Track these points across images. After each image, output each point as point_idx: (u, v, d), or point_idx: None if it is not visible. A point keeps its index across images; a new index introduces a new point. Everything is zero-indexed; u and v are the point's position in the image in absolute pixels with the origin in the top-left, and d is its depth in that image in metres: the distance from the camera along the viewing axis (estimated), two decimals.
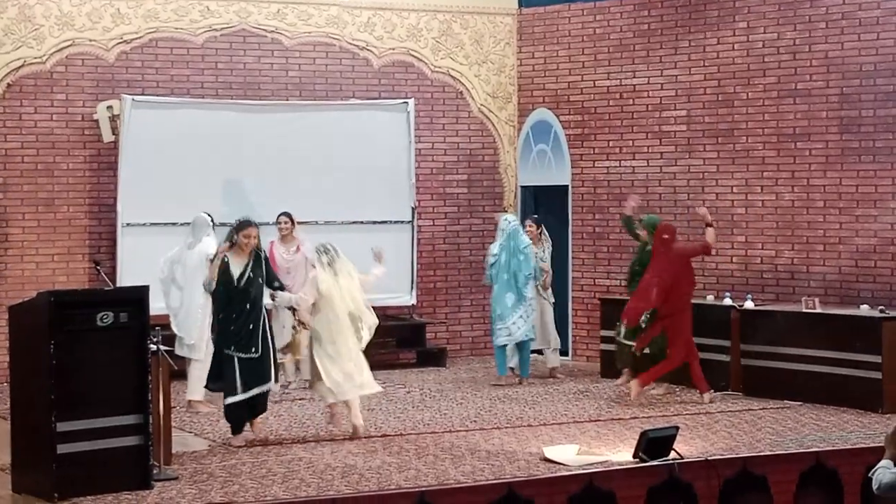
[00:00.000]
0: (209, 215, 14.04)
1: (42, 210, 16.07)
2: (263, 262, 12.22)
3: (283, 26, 17.21)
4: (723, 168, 16.57)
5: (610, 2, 17.62)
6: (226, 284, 11.99)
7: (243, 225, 12.21)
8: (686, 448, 11.33)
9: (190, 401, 13.72)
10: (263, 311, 12.16)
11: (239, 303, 11.99)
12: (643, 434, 11.03)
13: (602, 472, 10.60)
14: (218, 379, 12.07)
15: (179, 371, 12.69)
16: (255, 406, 12.10)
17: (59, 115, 16.15)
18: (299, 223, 15.28)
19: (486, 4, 18.28)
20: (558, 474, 10.59)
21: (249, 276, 12.04)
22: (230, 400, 11.94)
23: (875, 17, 15.29)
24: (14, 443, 10.41)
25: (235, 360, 11.91)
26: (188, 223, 14.21)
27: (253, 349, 11.94)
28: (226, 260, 12.05)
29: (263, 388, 12.03)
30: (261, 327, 12.03)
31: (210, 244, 13.58)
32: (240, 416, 12.03)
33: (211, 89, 16.85)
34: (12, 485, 10.30)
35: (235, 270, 12.03)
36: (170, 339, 12.98)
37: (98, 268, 12.56)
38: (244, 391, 11.90)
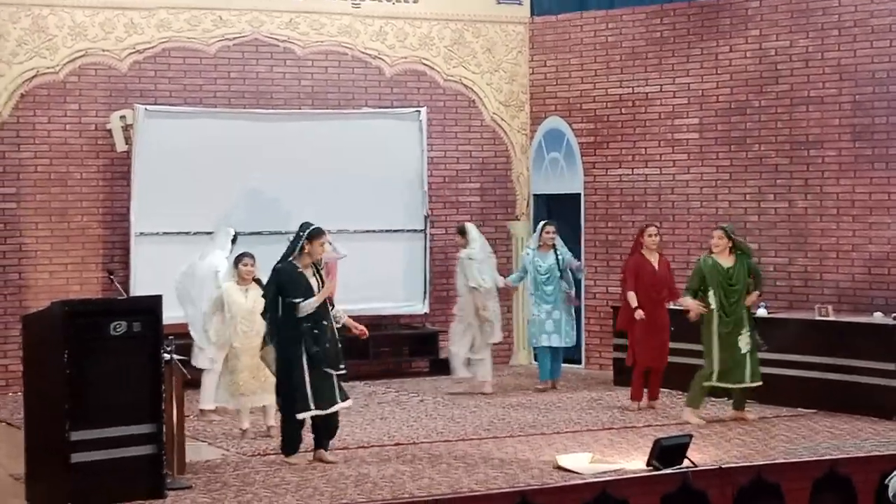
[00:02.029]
0: (233, 230, 14.00)
1: (55, 220, 16.10)
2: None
3: (296, 36, 17.24)
4: (735, 176, 16.56)
5: (622, 10, 17.62)
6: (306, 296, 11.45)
7: (318, 233, 11.63)
8: (699, 456, 11.33)
9: (202, 409, 13.75)
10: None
11: (323, 317, 11.52)
12: (656, 442, 11.02)
13: (615, 481, 10.60)
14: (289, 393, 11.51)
15: (193, 380, 12.69)
16: (328, 427, 11.69)
17: (72, 125, 16.18)
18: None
19: (499, 13, 18.29)
20: (572, 482, 10.58)
21: (320, 286, 11.58)
22: (300, 416, 11.48)
23: (888, 24, 15.29)
24: (28, 452, 10.42)
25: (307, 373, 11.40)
26: (201, 232, 14.21)
27: (341, 365, 11.54)
28: (299, 270, 11.48)
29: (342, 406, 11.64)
30: (337, 341, 11.61)
31: (219, 258, 13.62)
32: (299, 434, 11.66)
33: (223, 98, 16.88)
34: (26, 494, 10.32)
35: (312, 282, 11.55)
36: (184, 349, 12.97)
37: (111, 277, 12.58)
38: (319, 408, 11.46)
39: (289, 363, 11.42)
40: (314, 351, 11.34)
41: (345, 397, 11.62)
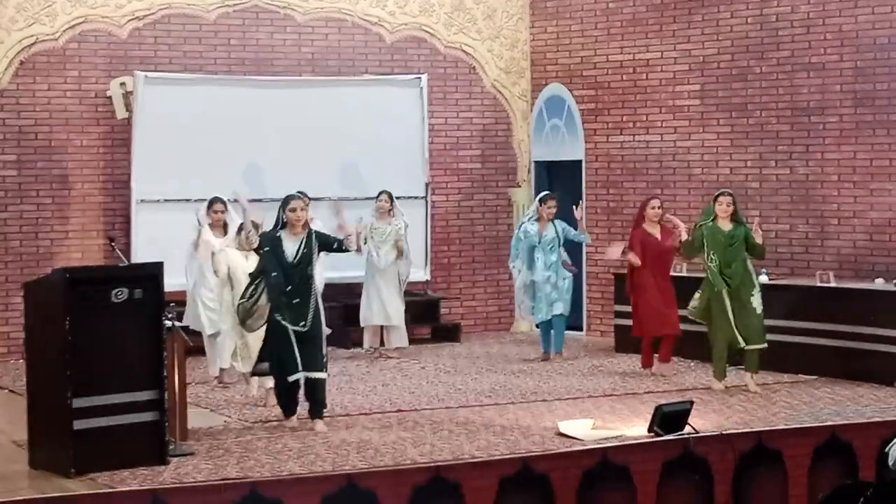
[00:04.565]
0: (215, 196, 14.01)
1: (56, 187, 16.09)
2: (316, 236, 11.78)
3: (296, 2, 17.19)
4: (736, 142, 16.54)
5: None
6: (280, 265, 11.55)
7: (288, 199, 11.80)
8: (701, 422, 11.33)
9: (221, 369, 13.70)
10: (315, 289, 11.75)
11: (297, 282, 11.55)
12: (658, 408, 11.03)
13: (617, 447, 10.63)
14: (272, 358, 11.68)
15: (195, 347, 12.70)
16: (314, 398, 11.67)
17: (72, 91, 16.16)
18: (312, 199, 15.23)
19: None
20: (573, 449, 10.60)
21: (304, 252, 11.61)
22: (289, 378, 11.57)
23: None
24: (31, 419, 10.43)
25: (292, 335, 11.54)
26: (202, 199, 14.22)
27: (302, 323, 11.52)
28: (278, 236, 11.61)
29: (318, 375, 11.61)
30: (312, 305, 11.62)
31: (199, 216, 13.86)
32: (291, 396, 11.74)
33: (224, 65, 16.85)
34: (29, 460, 10.34)
35: (290, 247, 11.61)
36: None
37: (112, 244, 12.55)
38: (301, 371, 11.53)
39: (273, 326, 11.62)
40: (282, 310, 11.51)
41: (317, 368, 11.57)
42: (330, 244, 11.86)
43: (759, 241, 13.53)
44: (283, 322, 11.53)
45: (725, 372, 13.56)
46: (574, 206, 15.63)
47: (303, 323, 11.53)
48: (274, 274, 11.55)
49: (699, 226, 13.72)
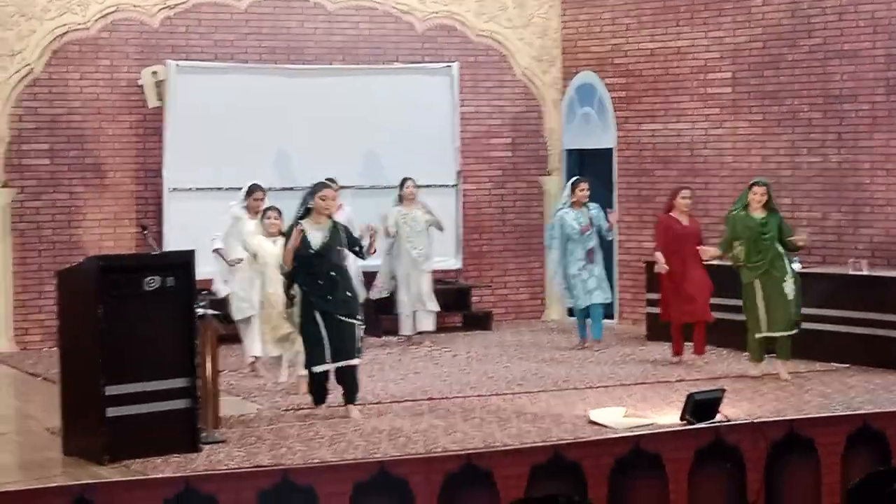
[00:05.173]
0: (251, 183, 14.01)
1: (89, 176, 16.16)
2: (342, 229, 11.79)
3: None
4: (769, 130, 16.49)
5: None
6: (304, 254, 11.54)
7: (319, 187, 11.78)
8: (732, 411, 11.31)
9: (254, 357, 13.76)
10: (346, 277, 11.76)
11: (323, 270, 11.54)
12: (689, 396, 11.01)
13: (648, 435, 10.61)
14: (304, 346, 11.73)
15: (227, 335, 12.74)
16: (346, 385, 11.69)
17: (104, 81, 16.21)
18: (343, 188, 15.27)
19: None
20: (605, 437, 10.59)
21: (328, 242, 11.58)
22: (316, 369, 11.63)
23: None
24: (64, 406, 10.48)
25: (321, 324, 11.52)
26: (234, 188, 14.28)
27: (329, 310, 11.47)
28: (302, 229, 11.56)
29: (349, 363, 11.63)
30: (341, 293, 11.58)
31: (235, 207, 13.80)
32: (322, 386, 11.76)
33: (255, 54, 16.88)
34: (63, 448, 10.38)
35: (315, 236, 11.60)
36: (218, 303, 13.00)
37: (145, 233, 12.57)
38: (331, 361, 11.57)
39: (303, 316, 11.61)
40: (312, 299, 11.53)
41: (349, 356, 11.59)
42: (352, 245, 11.85)
43: (799, 243, 13.48)
44: (313, 311, 11.56)
45: (762, 357, 13.52)
46: (608, 211, 15.59)
47: (330, 310, 11.51)
48: (283, 266, 11.66)
49: (729, 214, 13.69)
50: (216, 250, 13.72)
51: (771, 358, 13.57)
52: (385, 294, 16.05)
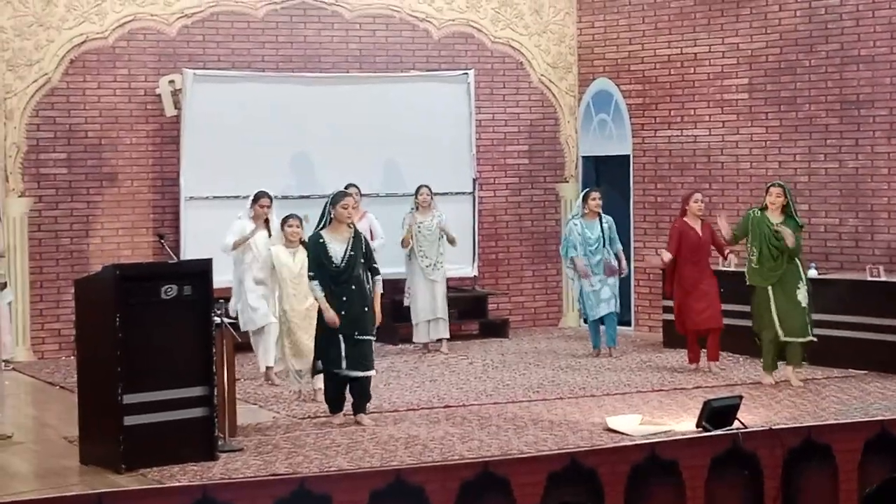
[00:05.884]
0: (258, 191, 14.00)
1: (106, 185, 16.21)
2: (364, 241, 11.75)
3: None
4: (785, 136, 16.47)
5: None
6: (325, 267, 11.51)
7: (339, 196, 11.75)
8: (749, 417, 11.31)
9: (267, 367, 13.77)
10: (366, 290, 11.66)
11: (344, 284, 11.54)
12: (706, 404, 11.00)
13: (665, 442, 10.59)
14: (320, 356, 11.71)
15: (244, 343, 12.74)
16: (358, 394, 11.72)
17: (121, 90, 16.26)
18: (362, 195, 15.29)
19: None
20: (621, 444, 10.59)
21: (351, 254, 11.57)
22: (333, 369, 11.59)
23: None
24: (82, 415, 10.52)
25: (339, 334, 11.49)
26: (250, 196, 14.29)
27: (348, 324, 11.45)
28: (321, 241, 11.56)
29: (365, 374, 11.65)
30: (360, 306, 11.55)
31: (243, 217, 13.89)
32: (339, 394, 11.77)
33: (272, 63, 16.91)
34: (80, 456, 10.41)
35: (336, 250, 11.60)
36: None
37: (162, 241, 12.65)
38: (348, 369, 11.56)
39: (321, 326, 11.58)
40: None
41: (365, 368, 11.60)
42: (368, 259, 11.76)
43: (790, 243, 13.42)
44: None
45: (776, 365, 13.51)
46: (618, 262, 15.54)
47: (349, 324, 11.48)
48: (312, 275, 11.58)
49: (748, 211, 13.70)
50: (232, 245, 13.68)
51: (783, 364, 13.55)
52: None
